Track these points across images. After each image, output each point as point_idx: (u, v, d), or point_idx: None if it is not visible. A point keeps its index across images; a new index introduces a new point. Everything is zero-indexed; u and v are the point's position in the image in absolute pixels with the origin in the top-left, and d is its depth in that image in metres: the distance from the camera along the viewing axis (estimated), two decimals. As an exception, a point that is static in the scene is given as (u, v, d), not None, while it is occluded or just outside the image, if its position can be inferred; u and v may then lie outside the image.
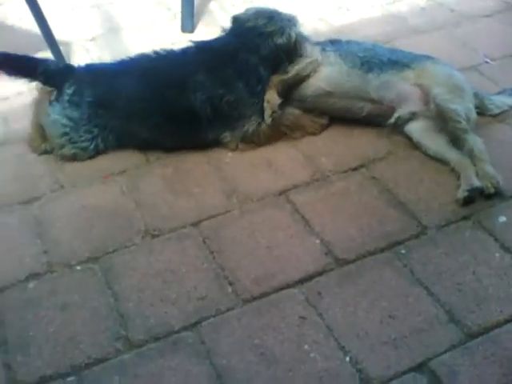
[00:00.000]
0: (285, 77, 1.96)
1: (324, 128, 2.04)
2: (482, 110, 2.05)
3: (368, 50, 2.03)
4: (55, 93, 1.94)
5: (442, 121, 1.89)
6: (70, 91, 1.91)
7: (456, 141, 1.88)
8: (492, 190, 1.74)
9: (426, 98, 1.93)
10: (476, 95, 2.02)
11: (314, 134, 2.03)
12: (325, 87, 1.98)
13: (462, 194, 1.73)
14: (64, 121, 1.91)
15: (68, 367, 1.36)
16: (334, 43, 2.07)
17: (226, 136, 1.96)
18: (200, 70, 1.91)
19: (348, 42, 2.08)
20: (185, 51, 2.00)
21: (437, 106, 1.89)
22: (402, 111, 1.95)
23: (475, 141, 1.85)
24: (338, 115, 2.04)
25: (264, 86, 1.94)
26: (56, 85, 1.94)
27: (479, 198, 1.75)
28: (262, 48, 1.94)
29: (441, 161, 1.88)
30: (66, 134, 1.91)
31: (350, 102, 1.99)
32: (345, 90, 1.97)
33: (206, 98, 1.88)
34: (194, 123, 1.91)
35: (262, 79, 1.94)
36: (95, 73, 2.00)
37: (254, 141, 1.98)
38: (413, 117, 1.95)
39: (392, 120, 1.96)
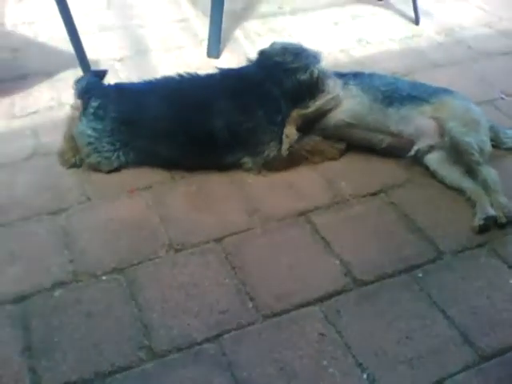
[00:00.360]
0: (305, 111, 2.03)
1: (342, 153, 2.11)
2: (497, 143, 2.11)
3: (390, 84, 2.09)
4: (84, 107, 2.03)
5: (457, 153, 1.95)
6: (95, 104, 2.00)
7: (471, 172, 1.94)
8: (504, 220, 1.79)
9: (442, 130, 1.99)
10: (492, 128, 2.08)
11: (333, 159, 2.09)
12: (346, 119, 2.05)
13: (477, 222, 1.78)
14: (89, 132, 1.99)
15: (92, 374, 1.39)
16: (356, 76, 2.13)
17: (248, 162, 2.02)
18: (222, 95, 1.98)
19: (370, 75, 2.14)
20: (210, 76, 2.09)
21: (451, 139, 1.95)
22: (420, 144, 2.01)
23: (489, 172, 1.91)
24: (358, 145, 2.11)
25: (284, 118, 2.01)
26: (86, 100, 2.04)
27: (494, 226, 1.80)
28: (284, 82, 2.01)
29: (457, 190, 1.94)
30: (91, 143, 1.99)
31: (370, 134, 2.05)
32: (366, 123, 2.04)
33: (226, 124, 1.95)
34: (211, 146, 1.98)
35: (281, 110, 2.01)
36: (121, 90, 2.08)
37: (274, 166, 2.04)
38: (431, 149, 2.02)
39: (412, 153, 2.02)
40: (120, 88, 2.12)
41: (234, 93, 2.00)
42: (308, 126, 2.06)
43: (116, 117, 1.99)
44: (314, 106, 2.03)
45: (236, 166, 2.04)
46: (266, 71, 2.04)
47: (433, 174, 2.00)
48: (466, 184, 1.92)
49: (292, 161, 2.05)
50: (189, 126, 1.97)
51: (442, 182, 1.97)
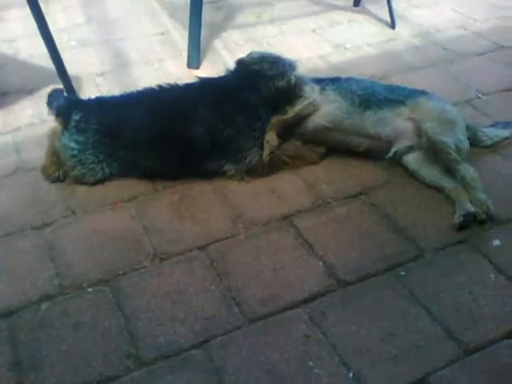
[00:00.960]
0: (284, 117, 2.06)
1: (323, 157, 2.14)
2: (475, 142, 2.15)
3: (366, 88, 2.12)
4: (66, 122, 2.06)
5: (435, 153, 1.99)
6: (76, 117, 2.03)
7: (450, 170, 1.98)
8: (483, 216, 1.82)
9: (419, 131, 2.03)
10: (469, 127, 2.12)
11: (314, 163, 2.12)
12: (325, 124, 2.08)
13: (457, 219, 1.81)
14: (72, 144, 2.02)
15: (80, 384, 1.41)
16: (334, 81, 2.16)
17: (230, 169, 2.05)
18: (202, 104, 2.01)
19: (347, 80, 2.17)
20: (189, 86, 2.12)
21: (428, 139, 1.99)
22: (399, 146, 2.05)
23: (467, 170, 1.95)
24: (337, 148, 2.14)
25: (264, 124, 2.04)
26: (67, 115, 2.07)
27: (473, 223, 1.83)
28: (262, 89, 2.05)
29: (436, 188, 1.97)
30: (74, 156, 2.02)
31: (348, 137, 2.08)
32: (344, 127, 2.07)
33: (206, 131, 1.98)
34: (193, 154, 2.00)
35: (261, 117, 2.04)
36: (102, 103, 2.12)
37: (257, 172, 2.06)
38: (409, 150, 2.05)
39: (390, 154, 2.06)
40: (101, 101, 2.16)
41: (213, 101, 2.03)
42: (288, 132, 2.09)
43: (98, 129, 2.01)
44: (292, 111, 2.06)
45: (218, 173, 2.06)
46: (244, 79, 2.08)
47: (412, 174, 2.04)
48: (445, 182, 1.95)
49: (273, 166, 2.07)
50: (169, 135, 2.00)
51: (421, 181, 2.01)
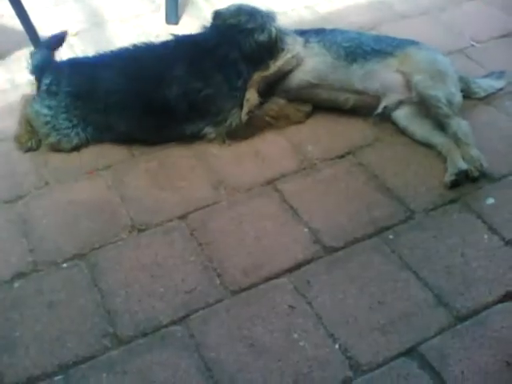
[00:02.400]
0: (266, 73, 1.94)
1: (308, 116, 2.03)
2: (468, 94, 2.04)
3: (352, 39, 2.01)
4: (37, 86, 1.98)
5: (425, 107, 1.89)
6: (47, 81, 1.94)
7: (441, 125, 1.88)
8: (476, 174, 1.74)
9: (408, 84, 1.92)
10: (461, 79, 2.01)
11: (299, 122, 2.02)
12: (309, 79, 1.97)
13: (449, 177, 1.73)
14: (45, 110, 1.93)
15: (55, 366, 1.35)
16: (318, 33, 2.04)
17: (210, 132, 1.95)
18: (178, 63, 1.90)
19: (332, 32, 2.05)
20: (165, 44, 2.00)
21: (418, 93, 1.88)
22: (388, 101, 1.95)
23: (459, 124, 1.84)
24: (323, 106, 2.03)
25: (245, 82, 1.92)
26: (39, 77, 1.98)
27: (466, 180, 1.74)
28: (242, 44, 1.92)
29: (427, 145, 1.88)
30: (47, 122, 1.93)
31: (334, 93, 1.97)
32: (329, 83, 1.96)
33: (183, 92, 1.87)
34: (170, 117, 1.90)
35: (242, 74, 1.92)
36: (74, 65, 2.02)
37: (238, 134, 1.96)
38: (399, 105, 1.94)
39: (379, 110, 1.95)
40: (73, 62, 2.05)
41: (190, 59, 1.91)
42: (270, 89, 1.98)
43: (70, 91, 1.92)
44: (274, 66, 1.94)
45: (198, 137, 1.96)
46: (222, 35, 1.95)
47: (403, 131, 1.94)
48: (437, 139, 1.86)
49: (255, 127, 1.97)
50: (144, 97, 1.89)
51: (412, 138, 1.91)
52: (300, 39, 2.00)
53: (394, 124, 1.96)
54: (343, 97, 1.97)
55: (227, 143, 1.95)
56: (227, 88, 1.91)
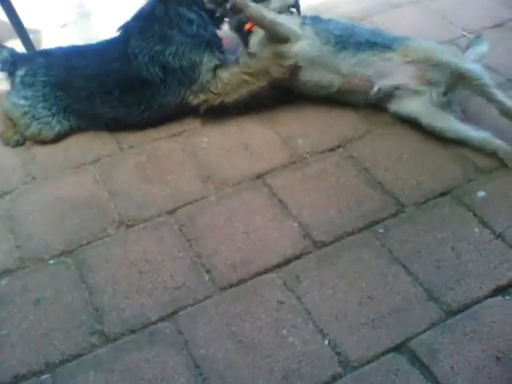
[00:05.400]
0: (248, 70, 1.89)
1: (291, 70, 1.92)
2: None
3: (346, 29, 1.97)
4: (11, 81, 1.97)
5: (464, 84, 1.83)
6: (21, 73, 1.94)
7: (486, 99, 1.82)
8: None
9: (423, 74, 1.87)
10: None
11: (282, 76, 1.91)
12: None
13: None
14: (22, 101, 1.92)
15: (42, 365, 1.33)
16: (314, 19, 2.01)
17: (190, 97, 1.92)
18: (132, 35, 1.89)
19: (328, 21, 2.02)
20: (125, 23, 1.99)
21: (453, 72, 1.82)
22: (382, 83, 1.90)
23: (502, 93, 1.80)
24: (308, 92, 1.99)
25: (199, 26, 1.88)
26: (12, 71, 1.97)
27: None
28: None
29: (447, 137, 1.83)
30: (26, 112, 1.92)
31: (317, 74, 1.93)
32: (314, 65, 1.92)
33: (149, 59, 1.85)
34: (148, 89, 1.89)
35: (193, 20, 1.87)
36: (49, 55, 2.01)
37: (214, 92, 1.91)
38: (399, 93, 1.90)
39: (375, 90, 1.90)
40: (46, 53, 2.06)
41: (140, 28, 1.90)
42: None
43: (47, 81, 1.91)
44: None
45: (184, 109, 1.96)
46: None
47: (413, 122, 1.88)
48: (476, 133, 1.81)
49: (233, 89, 1.91)
50: (120, 75, 1.88)
51: (439, 135, 1.84)
52: (298, 20, 1.98)
53: (388, 116, 1.93)
54: (327, 78, 1.93)
55: (202, 99, 1.91)
56: (187, 40, 1.86)
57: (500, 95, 1.79)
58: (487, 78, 1.81)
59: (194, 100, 1.92)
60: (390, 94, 1.92)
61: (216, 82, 1.89)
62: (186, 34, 1.86)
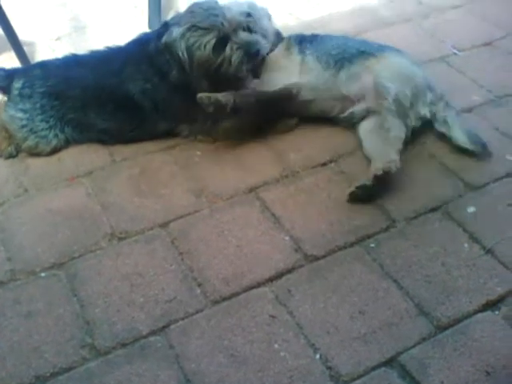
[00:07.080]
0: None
1: (294, 128, 2.02)
2: (432, 114, 1.92)
3: (340, 46, 2.00)
4: (8, 92, 1.97)
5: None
6: (18, 85, 1.93)
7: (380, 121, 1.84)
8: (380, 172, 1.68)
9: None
10: (436, 96, 1.92)
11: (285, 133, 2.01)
12: (305, 95, 1.95)
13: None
14: (19, 114, 1.92)
15: (32, 378, 1.33)
16: (312, 41, 2.03)
17: (184, 129, 1.96)
18: (129, 61, 1.90)
19: (323, 38, 2.05)
20: (129, 42, 1.99)
21: (374, 86, 1.86)
22: (357, 107, 1.93)
23: (395, 124, 1.81)
24: (309, 115, 2.01)
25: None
26: (8, 87, 1.96)
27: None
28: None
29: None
30: (24, 125, 1.92)
31: (322, 102, 1.96)
32: (320, 93, 1.95)
33: (140, 91, 1.88)
34: (139, 113, 1.91)
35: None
36: (44, 66, 2.01)
37: (212, 136, 1.95)
38: (367, 114, 1.92)
39: (345, 114, 1.94)
40: (43, 64, 2.05)
41: (137, 59, 1.90)
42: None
43: (44, 91, 1.92)
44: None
45: (173, 134, 1.97)
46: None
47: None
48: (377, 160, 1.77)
49: (237, 134, 1.95)
50: (113, 92, 1.89)
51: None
52: (296, 48, 2.00)
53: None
54: (330, 104, 1.96)
55: (198, 139, 1.95)
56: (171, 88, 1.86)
57: (390, 122, 1.80)
58: (391, 103, 1.81)
59: (188, 135, 1.97)
60: (360, 117, 1.94)
61: (216, 129, 1.94)
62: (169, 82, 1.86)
